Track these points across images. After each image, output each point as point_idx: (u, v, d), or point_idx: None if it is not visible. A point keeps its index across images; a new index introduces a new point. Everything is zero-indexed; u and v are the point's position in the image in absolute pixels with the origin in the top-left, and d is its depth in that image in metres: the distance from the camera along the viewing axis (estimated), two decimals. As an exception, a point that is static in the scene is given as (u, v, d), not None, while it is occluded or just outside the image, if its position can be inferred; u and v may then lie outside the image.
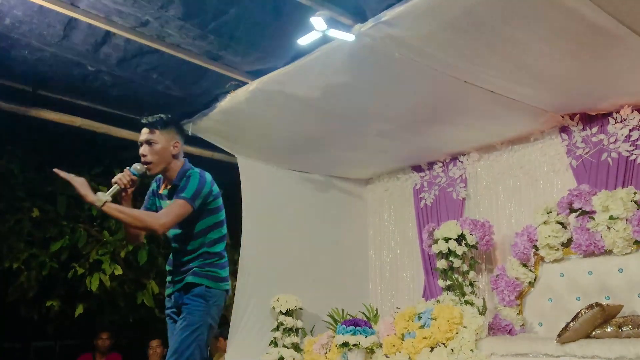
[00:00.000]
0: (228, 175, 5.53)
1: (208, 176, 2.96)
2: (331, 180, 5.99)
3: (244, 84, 4.22)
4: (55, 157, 5.65)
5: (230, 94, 4.31)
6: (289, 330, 4.97)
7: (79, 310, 5.84)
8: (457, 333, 3.96)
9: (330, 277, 5.64)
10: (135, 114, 4.85)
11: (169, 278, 2.98)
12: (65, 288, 6.00)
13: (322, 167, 5.77)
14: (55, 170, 2.62)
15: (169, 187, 2.95)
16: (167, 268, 3.01)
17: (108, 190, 2.74)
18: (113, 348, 6.19)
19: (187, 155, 5.20)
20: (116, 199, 2.76)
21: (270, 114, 4.49)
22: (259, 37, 3.67)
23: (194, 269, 2.84)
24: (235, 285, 5.12)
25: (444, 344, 3.97)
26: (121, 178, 2.79)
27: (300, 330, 5.10)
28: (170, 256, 3.01)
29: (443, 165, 5.50)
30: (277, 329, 5.00)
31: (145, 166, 2.87)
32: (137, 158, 5.69)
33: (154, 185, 3.11)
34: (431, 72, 3.76)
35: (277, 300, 5.05)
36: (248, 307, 5.11)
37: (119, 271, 5.54)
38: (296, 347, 4.93)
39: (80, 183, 2.62)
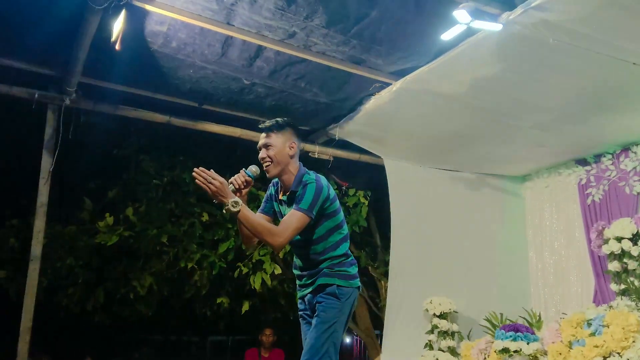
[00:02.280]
0: (376, 177, 5.60)
1: (324, 180, 2.92)
2: (484, 178, 5.74)
3: (388, 85, 4.23)
4: (221, 165, 6.19)
5: (375, 96, 4.35)
6: (444, 334, 4.86)
7: (245, 307, 6.27)
8: (633, 342, 3.57)
9: (487, 280, 5.41)
10: (288, 122, 5.15)
11: (298, 282, 2.99)
12: (232, 286, 6.50)
13: (473, 164, 5.56)
14: (195, 170, 2.64)
15: (287, 193, 2.96)
16: (296, 272, 3.03)
17: None
18: (276, 344, 6.53)
19: (336, 159, 5.49)
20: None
21: (416, 113, 4.44)
22: (400, 36, 3.66)
23: (324, 269, 2.84)
24: (386, 286, 5.15)
25: (618, 353, 3.60)
26: (236, 179, 2.82)
27: (456, 334, 4.96)
28: (295, 260, 3.02)
29: (613, 157, 5.01)
30: (431, 331, 4.91)
31: (264, 168, 2.91)
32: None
33: (271, 189, 3.12)
34: (592, 56, 3.45)
35: (430, 302, 4.97)
36: (401, 309, 5.10)
37: (278, 270, 5.86)
38: (452, 351, 4.80)
39: (218, 187, 2.61)
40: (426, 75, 3.92)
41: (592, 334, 3.82)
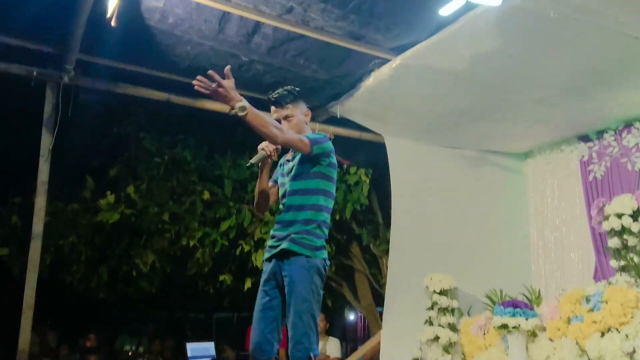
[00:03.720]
0: (377, 155, 5.58)
1: (330, 143, 2.93)
2: (485, 155, 5.71)
3: (387, 61, 4.18)
4: (222, 144, 6.19)
5: (374, 73, 4.31)
6: (444, 310, 4.88)
7: (248, 284, 6.31)
8: (632, 317, 3.58)
9: (488, 257, 5.41)
10: (287, 99, 5.11)
11: (269, 243, 2.96)
12: (235, 264, 6.54)
13: (474, 141, 5.52)
14: (196, 80, 2.46)
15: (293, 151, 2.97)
16: (270, 233, 3.00)
17: (254, 157, 2.81)
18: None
19: (336, 137, 5.47)
20: (260, 162, 2.84)
21: (416, 90, 4.40)
22: (399, 11, 3.62)
23: (292, 235, 2.81)
24: (387, 263, 5.16)
25: (616, 329, 3.61)
26: (268, 145, 2.81)
27: (456, 311, 4.98)
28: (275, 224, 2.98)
29: (615, 133, 4.97)
30: (431, 308, 4.93)
31: None
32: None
33: (282, 160, 3.12)
34: (594, 29, 3.40)
35: (431, 279, 4.98)
36: (402, 286, 5.12)
37: (280, 248, 5.86)
38: (452, 327, 4.82)
39: (229, 86, 2.48)
40: (426, 51, 3.87)
41: (591, 310, 3.82)
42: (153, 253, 5.93)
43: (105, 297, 6.54)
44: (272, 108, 2.93)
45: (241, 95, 4.44)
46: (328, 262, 2.95)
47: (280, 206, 2.99)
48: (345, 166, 6.25)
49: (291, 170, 2.92)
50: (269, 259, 2.92)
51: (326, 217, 2.93)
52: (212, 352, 4.90)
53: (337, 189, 6.16)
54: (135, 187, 5.80)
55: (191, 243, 5.92)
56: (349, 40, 4.03)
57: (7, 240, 5.60)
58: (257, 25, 3.93)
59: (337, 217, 6.43)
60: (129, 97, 4.84)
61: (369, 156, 6.06)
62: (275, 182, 3.07)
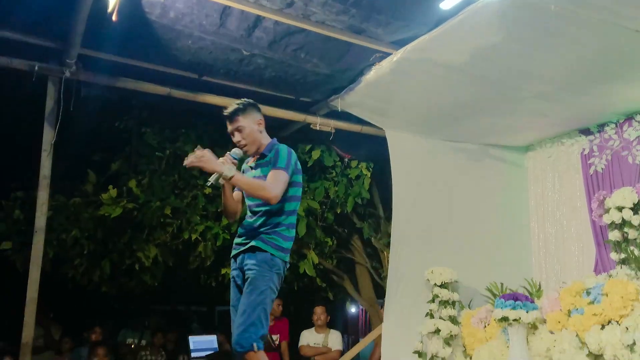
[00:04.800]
0: (378, 149, 5.59)
1: (293, 152, 3.18)
2: (486, 148, 5.71)
3: (388, 55, 4.18)
4: (223, 138, 6.19)
5: (375, 67, 4.30)
6: (445, 303, 4.90)
7: (249, 278, 6.32)
8: (632, 310, 3.59)
9: (488, 250, 5.42)
10: (289, 93, 5.13)
11: (236, 241, 3.19)
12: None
13: (475, 135, 5.52)
14: (186, 163, 2.89)
15: (256, 157, 3.23)
16: (238, 232, 3.22)
17: (211, 176, 3.03)
18: (282, 313, 6.62)
19: (337, 131, 5.48)
20: (219, 181, 3.04)
21: (417, 84, 4.40)
22: (399, 4, 3.62)
23: (262, 234, 3.04)
24: (389, 257, 5.18)
25: (617, 321, 3.63)
26: (224, 162, 3.05)
27: (457, 303, 5.00)
28: (244, 222, 3.22)
29: (616, 126, 4.96)
30: (432, 300, 4.96)
31: (243, 149, 3.17)
32: (293, 136, 5.98)
33: (244, 166, 3.35)
34: (595, 23, 3.39)
35: (432, 272, 5.00)
36: (403, 279, 5.14)
37: (280, 242, 5.88)
38: (453, 320, 4.85)
39: (207, 160, 2.88)
40: (426, 45, 3.87)
41: (591, 303, 3.84)
42: (155, 247, 5.94)
43: (107, 291, 6.56)
44: (227, 123, 3.20)
45: (242, 89, 4.59)
46: (288, 265, 3.16)
47: (248, 211, 3.23)
48: (346, 160, 6.27)
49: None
50: (235, 256, 3.16)
51: (292, 218, 3.16)
52: (215, 345, 4.94)
53: (338, 183, 6.26)
54: (137, 181, 5.81)
55: (193, 237, 5.93)
56: (350, 34, 4.03)
57: (9, 234, 5.62)
58: (258, 19, 3.93)
59: (339, 210, 6.45)
60: (130, 92, 4.85)
61: (370, 150, 6.07)
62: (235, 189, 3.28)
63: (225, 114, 3.19)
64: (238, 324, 2.95)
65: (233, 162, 3.08)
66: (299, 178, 3.20)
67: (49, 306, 6.19)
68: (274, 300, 3.10)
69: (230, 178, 2.89)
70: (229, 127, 3.19)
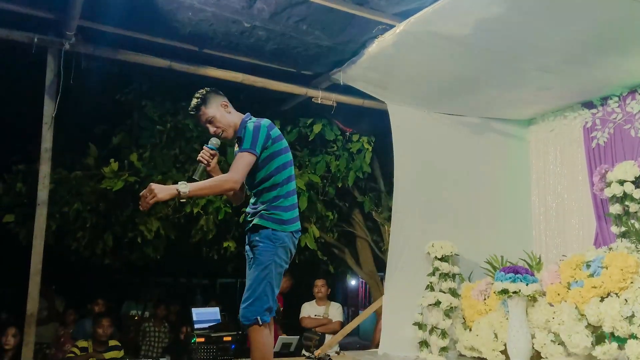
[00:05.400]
0: (380, 123, 5.56)
1: (265, 122, 3.17)
2: (488, 122, 5.69)
3: (391, 27, 4.13)
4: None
5: (378, 39, 4.25)
6: (445, 276, 4.95)
7: (251, 250, 6.35)
8: (632, 283, 3.62)
9: (489, 223, 5.45)
10: (290, 66, 5.08)
11: (246, 219, 3.26)
12: (238, 231, 6.59)
13: (477, 108, 5.49)
14: (141, 208, 2.86)
15: (235, 141, 3.25)
16: (247, 210, 3.28)
17: (194, 172, 3.09)
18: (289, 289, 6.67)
19: (339, 104, 5.45)
20: (204, 174, 3.11)
21: (420, 56, 4.36)
22: (403, -25, 3.55)
23: (261, 211, 3.09)
24: (390, 230, 5.20)
25: (616, 294, 3.66)
26: (202, 155, 3.11)
27: (457, 276, 5.05)
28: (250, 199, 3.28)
29: (619, 99, 4.92)
30: (433, 273, 5.00)
31: (221, 137, 3.19)
32: (295, 110, 5.95)
33: (235, 150, 3.36)
34: (601, -7, 3.34)
35: (432, 246, 5.02)
36: (403, 252, 5.17)
37: (282, 215, 5.90)
38: (453, 293, 4.89)
39: (159, 191, 2.80)
40: (430, 17, 3.82)
41: (591, 275, 3.86)
42: (157, 220, 5.97)
43: (110, 263, 6.62)
44: (197, 119, 3.24)
45: (243, 62, 4.55)
46: (299, 234, 3.21)
47: (247, 190, 3.28)
48: (347, 134, 6.25)
49: None
50: (246, 234, 3.22)
51: (288, 187, 3.18)
52: (218, 316, 5.01)
53: (339, 157, 6.25)
54: (139, 155, 5.81)
55: (195, 210, 5.95)
56: (353, 5, 3.97)
57: (12, 207, 5.65)
58: (260, -11, 3.88)
59: (340, 184, 6.45)
60: (131, 64, 4.80)
61: (371, 124, 6.04)
62: None
63: (190, 112, 3.22)
64: (244, 298, 3.03)
65: (211, 153, 3.13)
66: (281, 145, 3.20)
67: (52, 278, 6.25)
68: (282, 273, 3.14)
69: (189, 193, 2.86)
70: (201, 122, 3.22)
